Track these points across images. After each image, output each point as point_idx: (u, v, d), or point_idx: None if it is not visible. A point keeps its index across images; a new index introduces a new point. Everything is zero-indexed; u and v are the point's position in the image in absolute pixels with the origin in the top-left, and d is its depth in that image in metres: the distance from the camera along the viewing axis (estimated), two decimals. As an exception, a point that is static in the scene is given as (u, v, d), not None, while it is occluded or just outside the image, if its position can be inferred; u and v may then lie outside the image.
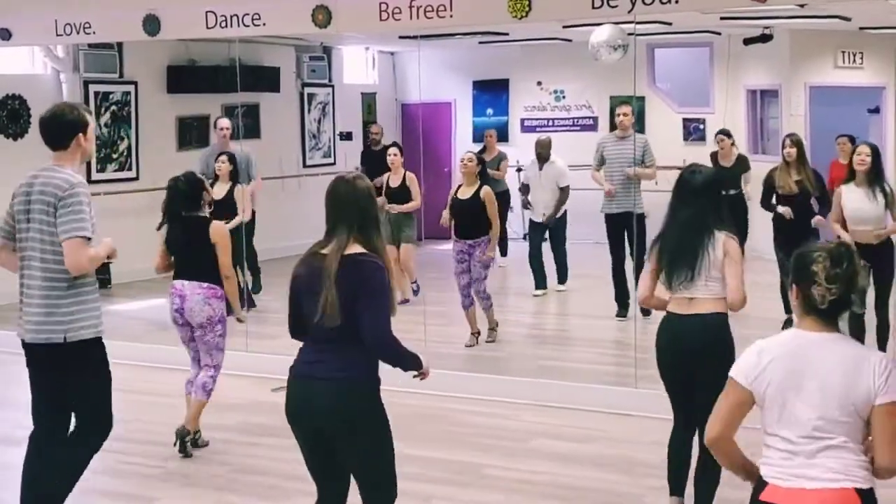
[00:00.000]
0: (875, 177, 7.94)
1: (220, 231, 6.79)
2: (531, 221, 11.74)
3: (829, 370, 3.31)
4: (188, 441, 6.69)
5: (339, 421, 4.15)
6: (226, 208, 9.68)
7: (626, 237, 10.08)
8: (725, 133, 11.47)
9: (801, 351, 3.36)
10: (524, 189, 12.01)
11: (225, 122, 11.34)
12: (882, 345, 7.97)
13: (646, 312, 8.83)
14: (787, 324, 9.13)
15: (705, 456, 5.11)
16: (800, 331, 3.41)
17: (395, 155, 10.96)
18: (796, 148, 9.04)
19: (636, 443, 6.87)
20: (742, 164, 11.25)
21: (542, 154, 11.53)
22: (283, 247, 14.04)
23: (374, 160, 12.95)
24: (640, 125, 12.70)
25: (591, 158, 10.61)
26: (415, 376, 4.40)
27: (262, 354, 8.52)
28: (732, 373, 3.44)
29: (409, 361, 4.31)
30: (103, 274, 11.71)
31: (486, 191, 9.19)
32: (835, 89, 13.08)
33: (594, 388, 7.83)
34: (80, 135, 5.10)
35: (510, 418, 7.42)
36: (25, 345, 5.15)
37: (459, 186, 9.44)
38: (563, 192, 11.35)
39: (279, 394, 7.96)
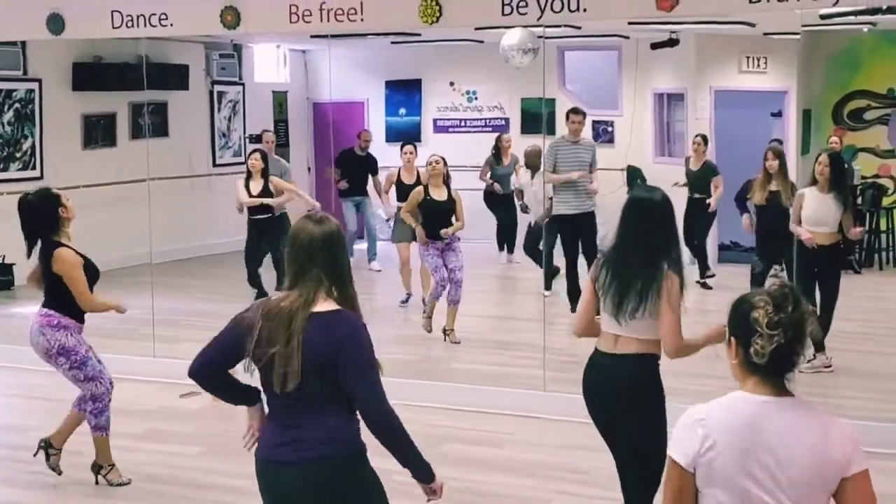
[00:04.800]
0: (836, 183, 8.36)
1: (63, 259, 5.92)
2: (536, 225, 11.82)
3: (789, 444, 2.82)
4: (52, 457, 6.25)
5: None
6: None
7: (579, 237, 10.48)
8: (703, 138, 12.14)
9: (752, 422, 2.83)
10: (520, 195, 12.27)
11: (271, 136, 12.42)
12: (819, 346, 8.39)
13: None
14: None
15: None
16: (746, 394, 2.88)
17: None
18: (778, 160, 9.47)
19: (545, 446, 6.95)
20: (710, 170, 11.94)
21: (537, 163, 11.78)
22: (196, 246, 13.98)
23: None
24: (550, 127, 12.84)
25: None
26: (428, 499, 3.73)
27: (170, 360, 8.40)
28: (671, 451, 2.91)
29: (416, 458, 3.61)
30: (5, 275, 11.51)
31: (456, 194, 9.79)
32: (739, 93, 13.34)
33: (503, 391, 7.89)
34: None
35: (421, 423, 7.38)
36: None
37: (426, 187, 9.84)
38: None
39: (187, 399, 7.95)
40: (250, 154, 11.06)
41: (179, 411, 7.77)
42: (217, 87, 14.75)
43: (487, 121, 15.30)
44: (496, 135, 14.04)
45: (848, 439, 2.83)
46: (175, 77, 13.55)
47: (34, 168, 12.41)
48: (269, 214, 10.88)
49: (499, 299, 11.65)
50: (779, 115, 13.45)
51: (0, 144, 12.07)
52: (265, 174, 10.85)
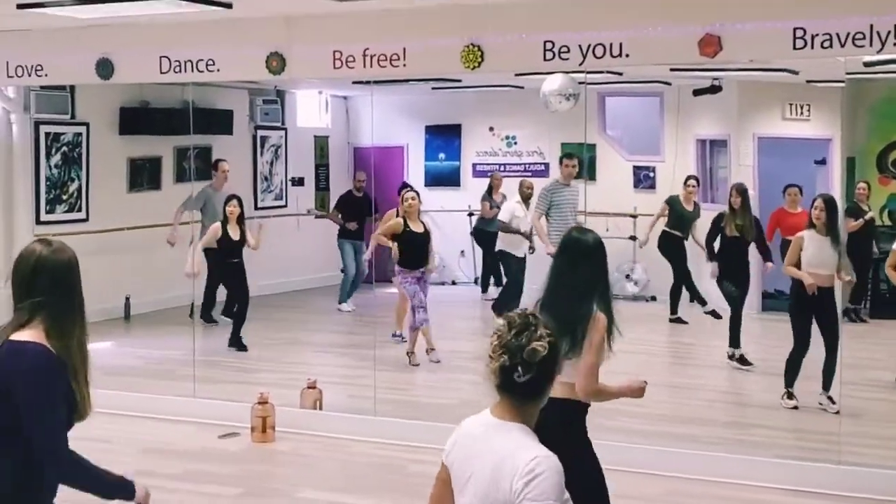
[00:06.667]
0: (832, 226, 8.63)
1: None
2: (514, 257, 11.93)
3: (482, 464, 2.96)
4: None
5: None
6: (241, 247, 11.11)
7: None
8: (696, 179, 12.76)
9: (473, 437, 3.03)
10: (506, 228, 12.12)
11: (226, 166, 12.47)
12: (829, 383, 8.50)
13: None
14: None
15: None
16: (486, 413, 3.06)
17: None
18: (741, 197, 10.17)
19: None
20: (697, 210, 12.32)
21: (530, 194, 12.17)
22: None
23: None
24: (591, 172, 12.88)
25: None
26: None
27: (210, 400, 8.43)
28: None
29: (108, 486, 3.50)
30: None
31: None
32: (782, 140, 13.29)
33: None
34: None
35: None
36: None
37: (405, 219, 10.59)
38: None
39: (226, 440, 7.97)
40: (228, 200, 11.22)
41: (216, 452, 7.78)
42: (260, 132, 14.92)
43: (527, 165, 15.33)
44: (535, 180, 14.07)
45: (522, 472, 2.84)
46: (220, 122, 13.72)
47: (80, 210, 12.58)
48: (239, 259, 11.15)
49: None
50: (823, 162, 13.35)
51: (47, 187, 12.24)
52: (241, 220, 11.14)
